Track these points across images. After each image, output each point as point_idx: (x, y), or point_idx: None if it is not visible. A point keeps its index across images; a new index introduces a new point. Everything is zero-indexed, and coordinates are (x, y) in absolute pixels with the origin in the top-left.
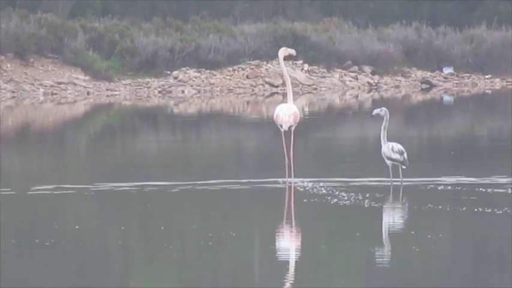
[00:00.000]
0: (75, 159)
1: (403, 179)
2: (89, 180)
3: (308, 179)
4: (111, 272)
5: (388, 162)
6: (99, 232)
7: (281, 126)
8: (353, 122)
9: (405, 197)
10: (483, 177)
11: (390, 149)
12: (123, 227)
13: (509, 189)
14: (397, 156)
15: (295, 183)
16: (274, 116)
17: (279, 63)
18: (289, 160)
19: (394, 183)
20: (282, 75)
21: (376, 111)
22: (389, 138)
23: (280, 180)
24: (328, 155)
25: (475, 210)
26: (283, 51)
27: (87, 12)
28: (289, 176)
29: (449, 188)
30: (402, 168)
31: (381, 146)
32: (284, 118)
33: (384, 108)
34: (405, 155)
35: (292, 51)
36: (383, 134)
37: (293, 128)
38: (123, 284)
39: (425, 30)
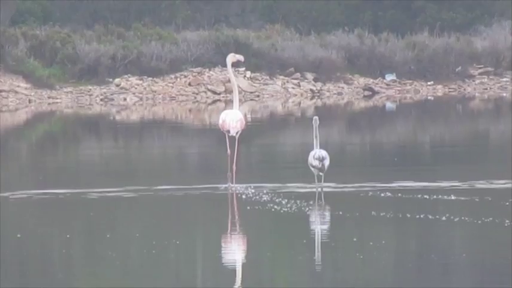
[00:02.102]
0: (6, 166)
1: (323, 184)
2: (10, 188)
3: (250, 185)
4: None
5: (312, 169)
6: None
7: (228, 132)
8: (295, 128)
9: (348, 204)
10: (426, 184)
11: (312, 155)
12: (53, 235)
13: (452, 196)
14: (316, 162)
15: (237, 189)
16: (220, 122)
17: (225, 70)
18: (232, 166)
19: (318, 189)
20: (227, 82)
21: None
22: (331, 145)
23: (222, 186)
24: (271, 161)
25: (418, 217)
26: (231, 58)
27: (29, 20)
28: (231, 182)
29: (391, 194)
30: (320, 175)
31: None
32: (231, 123)
33: (315, 117)
34: (325, 161)
35: (241, 57)
36: (315, 143)
37: (238, 135)
38: None
39: (367, 37)
